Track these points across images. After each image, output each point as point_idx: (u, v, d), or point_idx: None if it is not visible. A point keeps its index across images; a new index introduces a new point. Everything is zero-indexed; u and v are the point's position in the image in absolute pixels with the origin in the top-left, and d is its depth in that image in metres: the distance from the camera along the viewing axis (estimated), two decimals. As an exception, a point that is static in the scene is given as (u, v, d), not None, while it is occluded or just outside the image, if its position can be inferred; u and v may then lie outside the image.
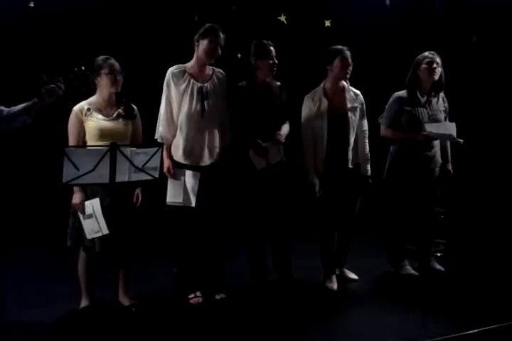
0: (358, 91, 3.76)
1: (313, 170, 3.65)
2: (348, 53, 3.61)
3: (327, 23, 5.58)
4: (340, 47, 3.64)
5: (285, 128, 3.66)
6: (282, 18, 5.45)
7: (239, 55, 5.21)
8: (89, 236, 3.07)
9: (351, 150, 3.69)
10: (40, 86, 2.56)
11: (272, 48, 3.52)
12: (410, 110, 3.78)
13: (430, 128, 3.69)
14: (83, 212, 3.09)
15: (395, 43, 5.55)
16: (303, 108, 3.71)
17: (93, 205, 3.06)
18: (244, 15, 5.25)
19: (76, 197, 3.15)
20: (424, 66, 3.76)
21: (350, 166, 3.69)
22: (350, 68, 3.61)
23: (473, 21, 5.38)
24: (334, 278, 3.80)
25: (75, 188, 3.14)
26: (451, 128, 3.71)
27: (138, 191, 3.32)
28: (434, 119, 3.77)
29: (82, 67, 2.71)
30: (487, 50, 5.33)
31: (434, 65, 3.74)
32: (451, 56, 5.33)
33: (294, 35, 5.39)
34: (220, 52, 3.38)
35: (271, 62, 3.50)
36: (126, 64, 3.34)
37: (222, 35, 3.37)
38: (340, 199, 3.72)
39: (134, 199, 3.31)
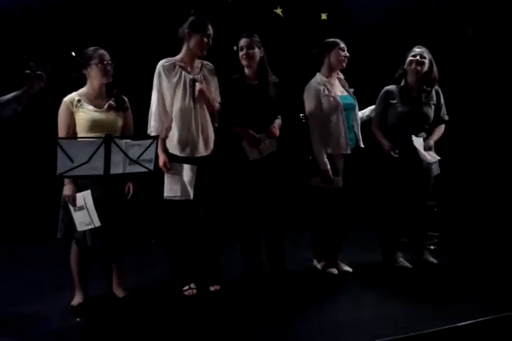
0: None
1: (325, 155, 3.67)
2: (344, 45, 3.73)
3: (323, 16, 5.57)
4: (337, 39, 3.75)
5: (278, 123, 3.68)
6: (278, 11, 5.44)
7: (235, 48, 5.21)
8: (79, 229, 3.05)
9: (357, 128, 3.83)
10: (26, 75, 2.55)
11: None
12: (395, 104, 3.81)
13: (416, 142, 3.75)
14: (74, 204, 3.06)
15: (392, 37, 5.54)
16: (308, 95, 3.72)
17: (84, 197, 3.03)
18: (240, 7, 5.24)
19: (66, 189, 3.12)
20: (409, 59, 3.80)
21: (361, 146, 3.84)
22: (346, 59, 3.72)
23: (468, 14, 5.38)
24: (330, 264, 3.88)
25: (66, 180, 3.11)
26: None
27: (129, 183, 3.31)
28: (416, 115, 3.78)
29: (72, 53, 2.68)
30: (483, 43, 5.33)
31: (418, 58, 3.76)
32: (447, 49, 5.35)
33: (290, 28, 5.38)
34: (211, 43, 3.39)
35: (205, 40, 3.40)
36: (120, 56, 3.34)
37: (211, 27, 3.38)
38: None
39: (126, 191, 3.30)
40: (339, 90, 3.78)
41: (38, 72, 2.59)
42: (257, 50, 3.52)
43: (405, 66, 3.83)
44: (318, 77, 3.76)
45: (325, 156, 3.66)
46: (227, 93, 3.54)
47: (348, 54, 3.72)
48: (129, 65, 4.65)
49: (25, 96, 2.66)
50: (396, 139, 3.81)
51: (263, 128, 3.57)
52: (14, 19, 4.66)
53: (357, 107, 3.85)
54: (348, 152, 3.72)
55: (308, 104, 3.73)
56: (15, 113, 2.72)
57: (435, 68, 3.81)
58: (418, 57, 3.76)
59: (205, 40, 3.34)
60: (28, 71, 2.57)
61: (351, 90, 3.86)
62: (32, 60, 2.60)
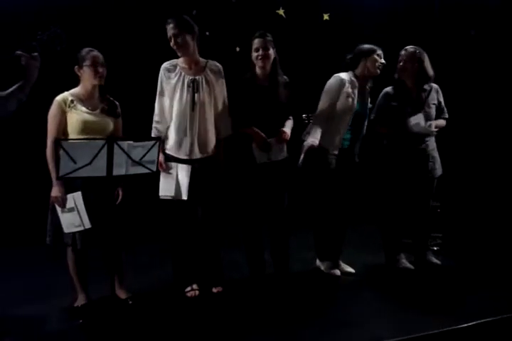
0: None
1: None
2: (381, 52, 3.71)
3: (325, 17, 5.57)
4: (375, 46, 3.73)
5: (289, 125, 3.64)
6: (281, 12, 5.44)
7: (237, 49, 5.21)
8: (67, 231, 3.03)
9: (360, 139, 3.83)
10: (20, 61, 2.54)
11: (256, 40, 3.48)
12: (396, 106, 3.80)
13: (412, 120, 3.72)
14: (63, 206, 3.05)
15: (394, 37, 5.53)
16: (332, 84, 3.69)
17: (75, 199, 3.02)
18: (244, 8, 5.24)
19: (55, 191, 3.08)
20: (397, 64, 3.82)
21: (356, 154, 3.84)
22: (381, 67, 3.70)
23: (471, 15, 5.37)
24: (333, 264, 3.88)
25: (54, 182, 3.08)
26: (419, 119, 3.73)
27: (119, 189, 3.30)
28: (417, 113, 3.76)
29: (52, 27, 2.66)
30: (486, 43, 5.32)
31: (400, 63, 3.78)
32: (450, 50, 5.35)
33: (292, 29, 5.38)
34: (184, 40, 3.27)
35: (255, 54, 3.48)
36: (122, 60, 3.33)
37: (176, 25, 3.27)
38: (342, 182, 3.77)
39: (115, 195, 3.27)
40: (362, 97, 3.74)
41: (34, 54, 2.59)
42: (271, 50, 3.49)
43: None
44: (350, 74, 3.72)
45: (318, 136, 3.62)
46: (238, 93, 3.51)
47: (384, 61, 3.69)
48: (128, 67, 4.66)
49: (27, 85, 2.66)
50: (400, 139, 3.80)
51: (274, 129, 3.53)
52: (12, 19, 4.66)
53: (366, 119, 3.82)
54: (336, 152, 3.69)
55: (326, 94, 3.70)
56: (19, 103, 2.71)
57: (426, 65, 3.77)
58: (401, 63, 3.78)
59: (172, 41, 3.28)
60: (19, 52, 2.56)
61: (369, 106, 3.83)
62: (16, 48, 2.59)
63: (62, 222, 3.04)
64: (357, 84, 3.70)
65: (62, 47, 2.77)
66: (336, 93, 3.66)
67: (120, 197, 3.29)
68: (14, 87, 2.68)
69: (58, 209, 3.06)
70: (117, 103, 3.33)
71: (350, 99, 3.66)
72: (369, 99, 3.85)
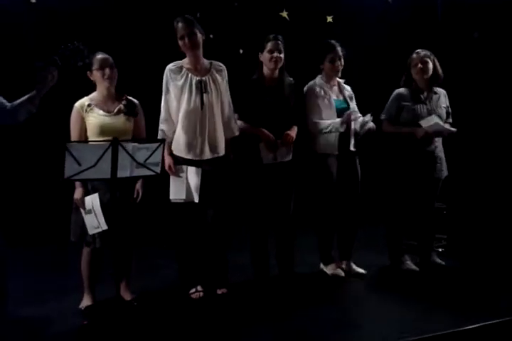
0: (347, 86, 3.93)
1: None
2: (336, 49, 3.73)
3: (329, 19, 5.58)
4: (329, 43, 3.77)
5: (294, 129, 3.65)
6: (284, 14, 5.45)
7: (241, 51, 5.23)
8: (90, 232, 3.05)
9: (353, 135, 3.77)
10: (38, 72, 2.57)
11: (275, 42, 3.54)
12: (409, 106, 3.81)
13: (424, 123, 3.72)
14: (84, 208, 3.08)
15: (397, 39, 5.54)
16: (307, 97, 3.75)
17: (92, 201, 3.04)
18: (247, 11, 5.26)
19: (77, 193, 3.14)
20: (413, 67, 3.82)
21: (352, 149, 3.78)
22: (340, 63, 3.74)
23: (475, 17, 5.38)
24: (336, 266, 3.89)
25: (77, 183, 3.13)
26: (437, 121, 3.73)
27: (138, 186, 3.32)
28: (431, 114, 3.77)
29: (75, 42, 2.69)
30: (489, 46, 5.32)
31: (420, 65, 3.78)
32: (453, 52, 5.35)
33: (296, 31, 5.39)
34: (198, 39, 3.32)
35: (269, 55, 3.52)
36: (128, 61, 3.34)
37: (189, 24, 3.30)
38: (345, 183, 3.78)
39: (135, 194, 3.31)
40: (335, 94, 3.81)
41: (49, 70, 2.62)
42: (283, 53, 3.54)
43: (412, 72, 3.84)
44: (317, 79, 3.81)
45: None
46: (245, 94, 3.54)
47: (339, 63, 3.73)
48: (139, 69, 4.68)
49: (38, 96, 2.69)
50: (409, 140, 3.79)
51: (280, 129, 3.55)
52: (18, 20, 4.69)
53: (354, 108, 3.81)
54: (336, 153, 3.72)
55: (307, 104, 3.75)
56: (29, 114, 2.75)
57: (439, 67, 3.83)
58: (420, 65, 3.78)
59: (184, 42, 3.29)
60: (40, 63, 2.59)
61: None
62: (36, 59, 2.61)
63: (86, 223, 3.06)
64: (326, 86, 3.77)
65: (83, 63, 2.82)
66: (312, 99, 3.72)
67: (140, 194, 3.32)
68: (24, 98, 2.71)
69: (82, 211, 3.10)
70: (136, 101, 3.36)
71: (326, 101, 3.72)
72: (347, 90, 3.87)
